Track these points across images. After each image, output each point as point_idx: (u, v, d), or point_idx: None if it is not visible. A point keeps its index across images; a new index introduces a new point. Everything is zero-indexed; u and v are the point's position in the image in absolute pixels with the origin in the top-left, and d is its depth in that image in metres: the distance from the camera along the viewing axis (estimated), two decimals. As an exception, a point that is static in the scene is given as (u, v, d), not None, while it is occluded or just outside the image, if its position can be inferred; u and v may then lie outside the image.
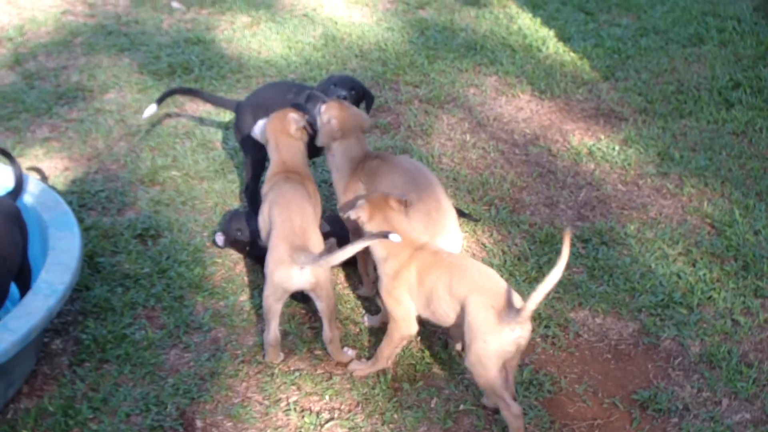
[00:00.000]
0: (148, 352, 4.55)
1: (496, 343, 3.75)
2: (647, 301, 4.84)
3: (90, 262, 5.15)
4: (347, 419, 4.15)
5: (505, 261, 5.16)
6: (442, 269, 4.00)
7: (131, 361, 4.49)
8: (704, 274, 5.01)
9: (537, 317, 4.73)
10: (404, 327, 4.19)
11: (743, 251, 5.18)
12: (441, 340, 4.60)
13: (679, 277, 5.00)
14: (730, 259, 5.15)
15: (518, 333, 3.75)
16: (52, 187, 5.27)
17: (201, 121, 6.78)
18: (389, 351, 4.28)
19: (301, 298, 4.76)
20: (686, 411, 4.16)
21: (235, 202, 5.74)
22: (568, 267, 5.09)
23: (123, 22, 8.60)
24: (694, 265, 5.10)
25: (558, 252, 5.14)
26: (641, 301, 4.85)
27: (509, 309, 3.73)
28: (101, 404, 4.22)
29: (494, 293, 3.81)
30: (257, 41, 8.16)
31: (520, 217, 5.58)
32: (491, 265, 5.11)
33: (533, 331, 4.59)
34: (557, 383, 4.35)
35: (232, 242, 5.16)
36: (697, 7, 8.75)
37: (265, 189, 4.61)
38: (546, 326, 4.69)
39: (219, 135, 6.53)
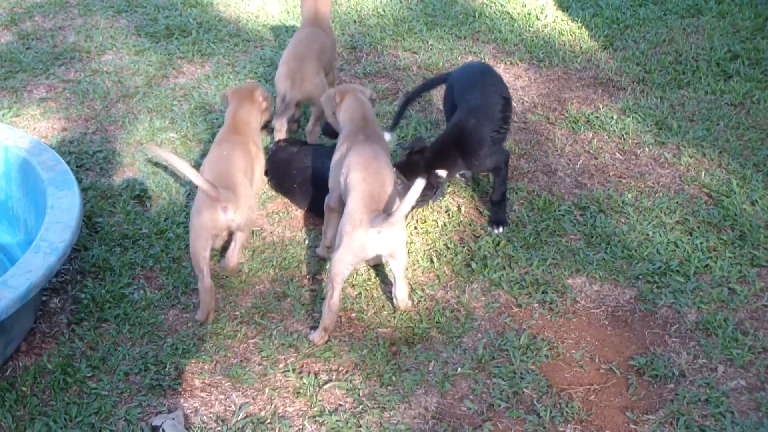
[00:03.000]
0: (147, 312, 4.57)
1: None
2: (644, 268, 4.86)
3: (88, 222, 5.15)
4: (345, 380, 4.17)
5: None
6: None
7: (130, 321, 4.50)
8: (701, 243, 5.03)
9: (535, 282, 4.76)
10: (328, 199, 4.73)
11: (740, 221, 5.19)
12: (438, 304, 4.62)
13: (676, 245, 5.02)
14: (727, 229, 5.16)
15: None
16: (51, 147, 5.25)
17: (199, 83, 6.76)
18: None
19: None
20: (682, 377, 4.19)
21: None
22: (565, 234, 5.12)
23: (119, -16, 8.54)
24: (691, 234, 5.12)
25: (556, 218, 5.19)
26: (638, 269, 4.86)
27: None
28: (100, 363, 4.24)
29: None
30: (255, 5, 8.12)
31: (519, 184, 5.59)
32: (489, 232, 5.13)
33: (530, 296, 4.65)
34: (554, 348, 4.38)
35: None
36: (696, -22, 8.72)
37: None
38: (543, 292, 4.71)
39: (217, 98, 6.51)
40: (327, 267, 4.81)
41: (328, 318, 4.34)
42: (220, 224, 4.42)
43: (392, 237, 4.24)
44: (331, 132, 5.13)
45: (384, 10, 8.04)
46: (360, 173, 4.35)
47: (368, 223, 4.17)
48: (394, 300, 4.55)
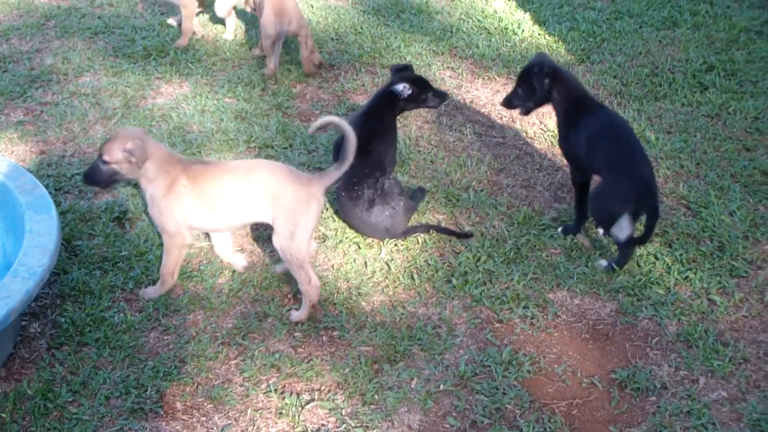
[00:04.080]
0: (127, 335, 4.54)
1: None
2: (625, 281, 4.87)
3: (67, 245, 5.12)
4: (327, 400, 4.16)
5: (484, 243, 5.18)
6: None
7: (110, 344, 4.48)
8: (681, 255, 5.05)
9: (516, 297, 4.77)
10: (180, 238, 4.66)
11: (719, 232, 5.22)
12: (420, 321, 4.62)
13: (656, 257, 5.04)
14: (706, 240, 5.19)
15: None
16: (29, 170, 5.22)
17: (177, 103, 6.75)
18: (172, 266, 4.74)
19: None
20: (664, 389, 4.20)
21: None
22: (545, 248, 5.13)
23: (97, 5, 8.54)
24: (670, 246, 5.14)
25: (536, 233, 5.21)
26: (619, 282, 4.88)
27: None
28: (80, 387, 4.21)
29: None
30: (232, 24, 8.11)
31: (498, 199, 5.61)
32: (469, 247, 5.14)
33: (511, 311, 4.65)
34: (536, 363, 4.38)
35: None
36: (671, -10, 8.79)
37: None
38: (525, 307, 4.72)
39: (195, 118, 6.51)
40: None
41: (315, 293, 4.63)
42: None
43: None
44: None
45: (362, 27, 8.06)
46: None
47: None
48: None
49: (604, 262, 4.95)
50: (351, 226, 5.26)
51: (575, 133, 5.00)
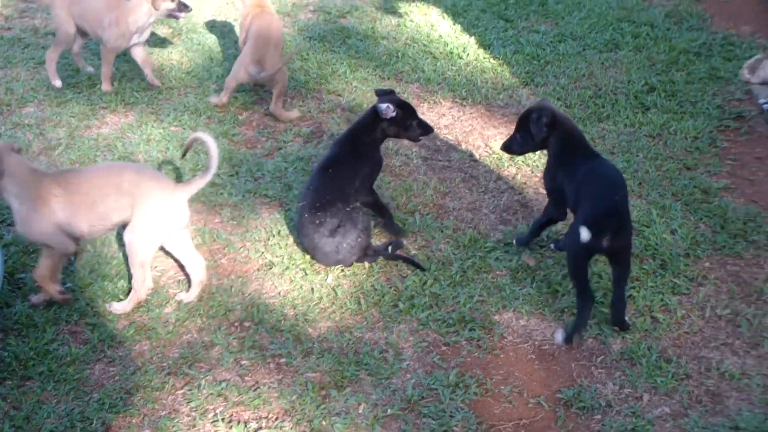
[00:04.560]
0: (72, 368, 4.51)
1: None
2: (569, 301, 4.92)
3: (10, 278, 5.08)
4: (275, 428, 4.16)
5: (430, 266, 5.21)
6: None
7: (55, 378, 4.44)
8: (624, 274, 5.11)
9: (462, 320, 4.79)
10: (62, 247, 4.76)
11: (661, 250, 5.30)
12: (367, 346, 4.63)
13: (600, 277, 5.09)
14: (649, 258, 5.26)
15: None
16: (-30, 203, 5.18)
17: (122, 133, 6.72)
18: (46, 271, 4.78)
19: None
20: (609, 407, 4.25)
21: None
22: (491, 270, 5.17)
23: (41, 35, 8.50)
24: (614, 265, 5.20)
25: (482, 255, 5.25)
26: (563, 302, 4.93)
27: None
28: (24, 422, 4.17)
29: None
30: (178, 52, 8.12)
31: (444, 222, 5.64)
32: (415, 271, 5.16)
33: (457, 333, 4.68)
34: (483, 385, 4.41)
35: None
36: (613, 13, 8.92)
37: None
38: (471, 329, 4.75)
39: (141, 147, 6.48)
40: (255, 313, 4.82)
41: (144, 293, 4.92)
42: None
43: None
44: None
45: (308, 54, 8.09)
46: None
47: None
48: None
49: (560, 336, 4.77)
50: (303, 247, 5.26)
51: (566, 178, 4.86)
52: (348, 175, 5.22)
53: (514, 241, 5.35)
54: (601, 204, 4.57)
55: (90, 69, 7.66)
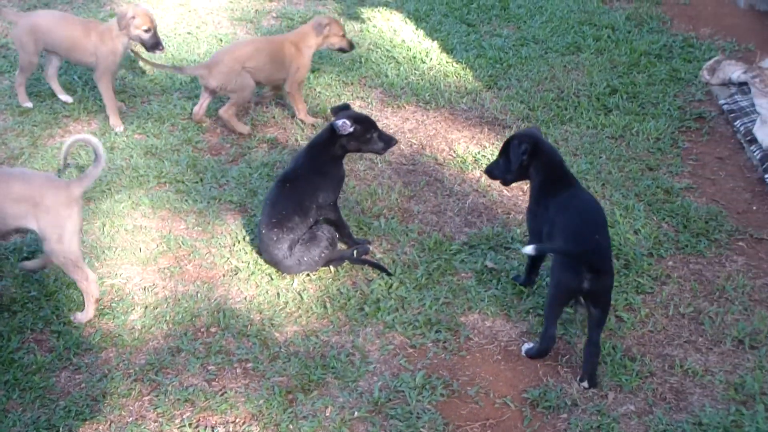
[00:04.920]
0: (38, 376, 4.48)
1: None
2: (534, 302, 4.96)
3: (-28, 288, 5.04)
4: (242, 432, 4.16)
5: (396, 270, 5.22)
6: None
7: (20, 386, 4.41)
8: (588, 274, 5.14)
9: (428, 322, 4.81)
10: None
11: (624, 250, 5.35)
12: (333, 350, 4.63)
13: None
14: (613, 258, 5.29)
15: None
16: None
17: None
18: None
19: None
20: (575, 406, 4.28)
21: (124, 220, 5.67)
22: (456, 272, 5.19)
23: (1, 44, 8.42)
24: (578, 266, 5.24)
25: (447, 258, 5.26)
26: (529, 303, 4.96)
27: None
28: (-11, 432, 4.14)
29: None
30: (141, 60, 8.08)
31: (409, 226, 5.66)
32: (381, 275, 5.17)
33: (423, 336, 4.69)
34: (449, 386, 4.42)
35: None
36: (574, 16, 9.00)
37: None
38: (437, 331, 4.76)
39: (104, 155, 6.43)
40: (221, 318, 4.81)
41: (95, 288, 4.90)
42: None
43: None
44: None
45: (271, 60, 8.08)
46: None
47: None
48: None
49: (527, 346, 4.69)
50: (265, 261, 5.26)
51: (546, 211, 4.66)
52: (306, 190, 5.21)
53: (512, 278, 5.17)
54: (582, 242, 4.36)
55: (29, 105, 7.29)
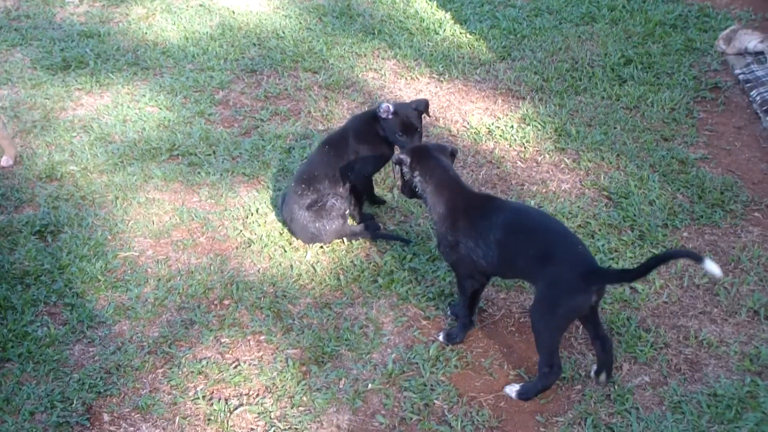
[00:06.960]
0: (51, 349, 4.49)
1: None
2: (548, 273, 4.93)
3: (-14, 261, 5.05)
4: (256, 404, 4.15)
5: (409, 242, 5.21)
6: None
7: (34, 359, 4.42)
8: (603, 245, 5.12)
9: (442, 294, 4.80)
10: None
11: (639, 221, 5.31)
12: (347, 321, 4.63)
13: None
14: (627, 229, 5.27)
15: None
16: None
17: (98, 114, 6.68)
18: None
19: None
20: (589, 378, 4.26)
21: (137, 193, 5.67)
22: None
23: (13, 17, 8.42)
24: (593, 237, 5.21)
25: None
26: (543, 274, 4.94)
27: None
28: (3, 404, 4.15)
29: None
30: (153, 33, 8.06)
31: (423, 197, 5.63)
32: (394, 247, 5.16)
33: (437, 308, 4.67)
34: (464, 358, 4.41)
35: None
36: (589, -14, 8.93)
37: None
38: (451, 303, 4.75)
39: (117, 128, 6.45)
40: (234, 291, 4.82)
41: None
42: None
43: None
44: None
45: (284, 32, 8.05)
46: None
47: None
48: None
49: (514, 388, 4.24)
50: (282, 219, 5.28)
51: (473, 237, 4.24)
52: (343, 157, 5.20)
53: (448, 311, 4.72)
54: (575, 261, 3.92)
55: None
